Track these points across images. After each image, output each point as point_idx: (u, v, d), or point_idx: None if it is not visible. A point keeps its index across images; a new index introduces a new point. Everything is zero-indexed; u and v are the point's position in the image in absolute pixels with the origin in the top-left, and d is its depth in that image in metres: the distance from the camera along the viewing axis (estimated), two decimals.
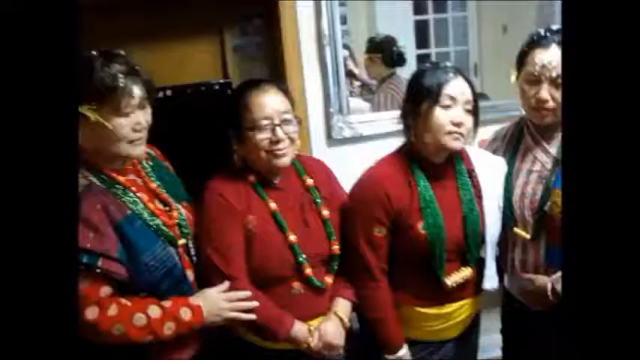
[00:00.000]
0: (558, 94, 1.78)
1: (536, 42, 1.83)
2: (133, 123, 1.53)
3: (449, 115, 1.74)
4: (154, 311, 1.55)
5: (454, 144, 1.76)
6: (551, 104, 1.79)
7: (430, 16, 3.76)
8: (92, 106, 1.47)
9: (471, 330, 1.97)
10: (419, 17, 3.75)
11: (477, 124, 1.80)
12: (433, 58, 3.71)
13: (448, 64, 1.82)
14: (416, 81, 1.81)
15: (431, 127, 1.75)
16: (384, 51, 3.38)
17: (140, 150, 1.59)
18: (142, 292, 1.58)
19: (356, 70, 3.40)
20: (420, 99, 1.77)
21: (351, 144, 2.65)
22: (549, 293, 1.81)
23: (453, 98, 1.74)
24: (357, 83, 3.40)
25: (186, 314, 1.59)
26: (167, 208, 1.68)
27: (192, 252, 1.71)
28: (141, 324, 1.52)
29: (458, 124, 1.74)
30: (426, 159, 1.83)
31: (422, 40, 3.77)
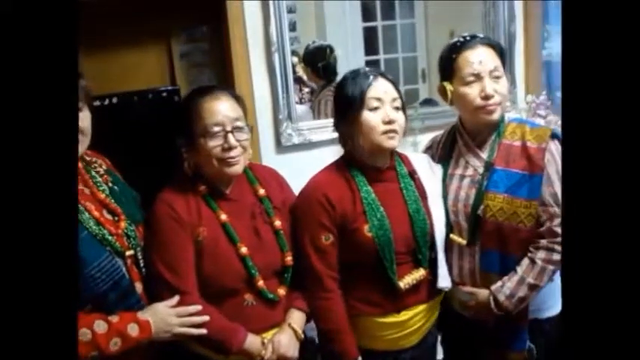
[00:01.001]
0: (499, 87, 1.84)
1: (462, 46, 1.87)
2: None
3: (379, 116, 1.77)
4: (100, 326, 1.51)
5: (390, 143, 1.79)
6: (497, 98, 1.84)
7: (379, 23, 3.79)
8: None
9: (429, 338, 1.97)
10: (368, 24, 3.77)
11: (406, 119, 1.84)
12: (382, 65, 3.74)
13: (367, 68, 1.86)
14: (340, 91, 1.85)
15: (364, 131, 1.78)
16: (312, 64, 3.38)
17: None
18: (88, 306, 1.53)
19: (304, 77, 3.40)
20: (347, 107, 1.80)
21: (301, 151, 2.65)
22: (492, 306, 1.82)
23: (378, 99, 1.78)
24: (306, 89, 3.39)
25: (133, 330, 1.55)
26: (115, 218, 1.65)
27: (142, 264, 1.67)
28: (86, 339, 1.49)
29: (390, 122, 1.77)
30: (366, 164, 1.85)
31: (371, 46, 3.80)
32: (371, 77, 1.79)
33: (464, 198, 1.89)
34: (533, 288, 1.78)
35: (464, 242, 1.89)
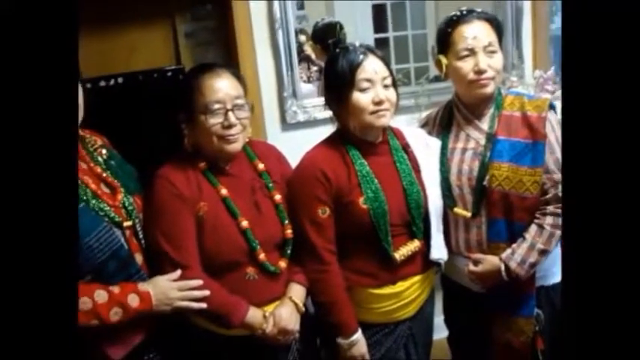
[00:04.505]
0: (493, 62, 1.85)
1: (458, 19, 1.88)
2: None
3: (369, 97, 1.78)
4: (101, 296, 1.54)
5: (381, 121, 1.80)
6: (490, 73, 1.85)
7: (388, 1, 3.75)
8: None
9: (426, 310, 1.98)
10: (377, 1, 3.73)
11: (397, 95, 1.84)
12: (391, 42, 3.71)
13: (357, 43, 1.85)
14: (329, 69, 1.85)
15: (354, 111, 1.79)
16: (321, 41, 3.35)
17: None
18: (88, 276, 1.56)
19: (313, 55, 3.38)
20: (337, 87, 1.81)
21: (306, 128, 2.66)
22: (503, 273, 1.83)
23: (369, 80, 1.78)
24: (314, 68, 3.37)
25: (134, 301, 1.58)
26: (112, 191, 1.68)
27: (141, 235, 1.70)
28: (87, 308, 1.51)
29: (380, 103, 1.77)
30: (359, 139, 1.86)
31: (380, 24, 3.77)
32: (361, 56, 1.79)
33: (467, 171, 1.90)
34: (543, 253, 1.81)
35: (469, 215, 1.89)
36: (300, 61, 2.75)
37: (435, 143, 1.97)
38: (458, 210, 1.92)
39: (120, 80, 2.43)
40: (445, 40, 1.91)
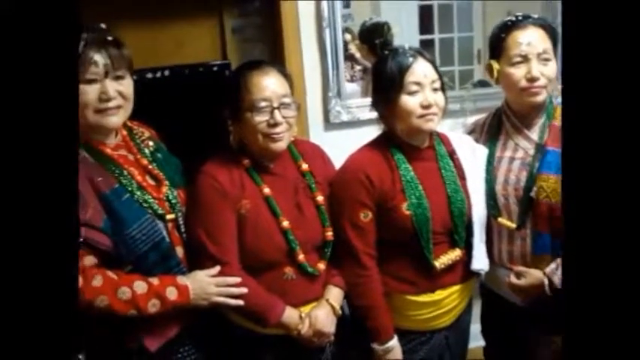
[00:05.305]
0: (546, 70, 1.81)
1: (512, 25, 1.85)
2: (97, 91, 1.54)
3: (417, 100, 1.75)
4: (140, 287, 1.56)
5: (428, 125, 1.78)
6: (543, 81, 1.81)
7: (435, 2, 3.71)
8: None
9: (463, 320, 1.96)
10: (423, 2, 3.70)
11: (445, 99, 1.81)
12: (437, 44, 3.67)
13: (406, 46, 1.83)
14: (378, 71, 1.83)
15: (401, 115, 1.77)
16: (368, 41, 3.33)
17: (112, 121, 1.59)
18: (128, 266, 1.58)
19: (357, 54, 3.36)
20: (385, 89, 1.79)
21: (349, 128, 2.64)
22: (546, 287, 1.80)
23: (417, 83, 1.75)
24: (358, 67, 3.35)
25: (172, 293, 1.59)
26: (157, 183, 1.69)
27: (183, 229, 1.71)
28: (125, 298, 1.53)
29: (428, 107, 1.75)
30: (405, 143, 1.84)
31: (426, 25, 3.73)
32: (410, 59, 1.77)
33: (514, 181, 1.86)
34: None
35: (513, 226, 1.86)
36: (344, 60, 2.73)
37: (482, 151, 1.94)
38: (502, 220, 1.88)
39: (166, 73, 2.44)
40: (498, 45, 1.88)
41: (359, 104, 2.66)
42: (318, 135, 2.56)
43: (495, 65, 1.89)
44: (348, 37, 2.97)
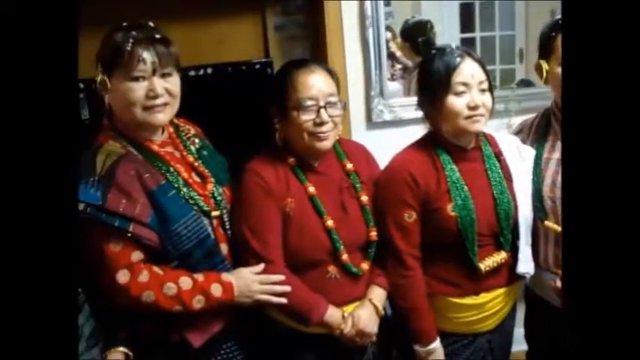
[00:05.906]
0: None
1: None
2: (145, 89, 1.56)
3: (464, 101, 1.73)
4: (185, 283, 1.57)
5: (475, 127, 1.76)
6: None
7: (476, 0, 3.67)
8: (100, 69, 1.55)
9: (507, 323, 1.93)
10: (464, 0, 3.66)
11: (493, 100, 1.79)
12: (478, 43, 3.63)
13: (454, 45, 1.81)
14: (424, 70, 1.81)
15: (448, 115, 1.75)
16: (410, 40, 3.30)
17: (159, 118, 1.61)
18: (174, 262, 1.60)
19: (398, 53, 3.34)
20: (432, 89, 1.77)
21: (391, 127, 2.62)
22: None
23: (465, 84, 1.73)
24: (398, 66, 3.33)
25: (217, 290, 1.60)
26: (203, 180, 1.70)
27: (228, 225, 1.72)
28: (171, 293, 1.55)
29: (475, 108, 1.73)
30: (451, 143, 1.82)
31: (467, 23, 3.69)
32: (458, 59, 1.74)
33: (562, 183, 1.83)
34: None
35: (560, 229, 1.82)
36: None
37: (529, 152, 1.91)
38: (549, 223, 1.85)
39: (209, 71, 2.46)
40: (548, 45, 1.85)
41: (401, 103, 2.65)
42: (360, 134, 2.55)
43: (545, 65, 1.86)
44: (388, 35, 2.95)
